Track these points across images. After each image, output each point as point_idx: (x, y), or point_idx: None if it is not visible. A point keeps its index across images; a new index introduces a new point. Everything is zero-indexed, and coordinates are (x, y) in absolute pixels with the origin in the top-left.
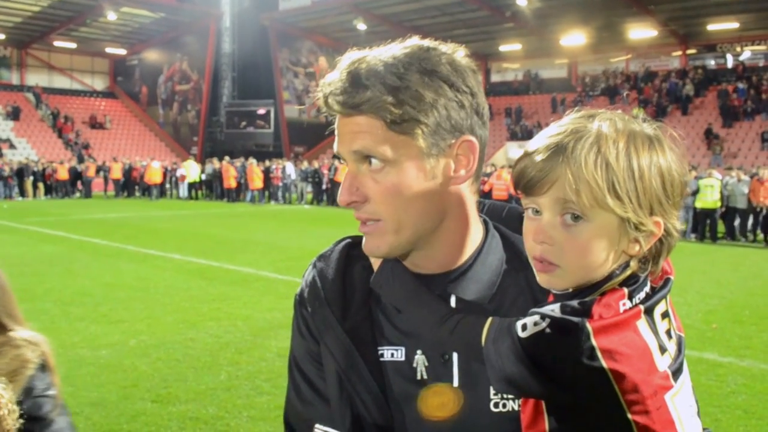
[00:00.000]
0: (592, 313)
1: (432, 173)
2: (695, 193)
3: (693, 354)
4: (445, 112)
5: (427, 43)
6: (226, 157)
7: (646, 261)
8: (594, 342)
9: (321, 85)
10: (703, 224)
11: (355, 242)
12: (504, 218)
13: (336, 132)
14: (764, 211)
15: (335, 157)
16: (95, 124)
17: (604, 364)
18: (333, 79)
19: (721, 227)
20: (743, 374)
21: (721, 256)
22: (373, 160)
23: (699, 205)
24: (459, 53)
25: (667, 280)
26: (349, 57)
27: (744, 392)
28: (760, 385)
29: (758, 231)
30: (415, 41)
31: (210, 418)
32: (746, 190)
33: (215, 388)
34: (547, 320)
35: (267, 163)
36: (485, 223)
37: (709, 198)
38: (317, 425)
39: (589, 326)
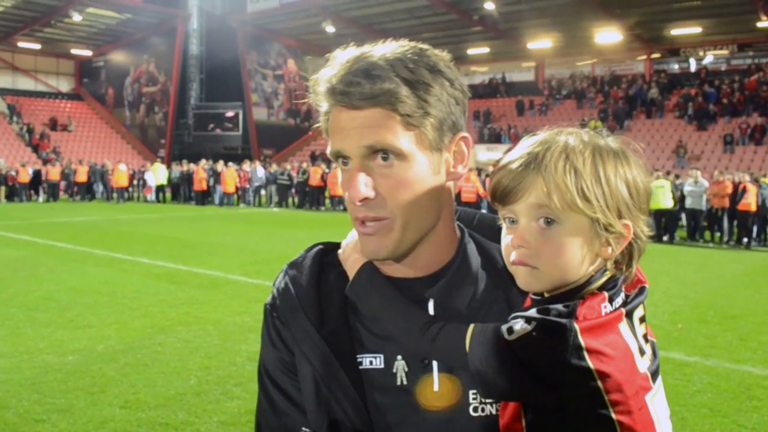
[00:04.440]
0: (577, 314)
1: (437, 168)
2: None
3: (659, 354)
4: (447, 107)
5: (420, 44)
6: (202, 160)
7: (621, 264)
8: (581, 341)
9: (319, 79)
10: (657, 225)
11: (327, 249)
12: (475, 226)
13: (335, 128)
14: (719, 213)
15: (316, 157)
16: (56, 126)
17: (591, 364)
18: (337, 71)
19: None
20: (708, 373)
21: (686, 257)
22: (386, 155)
23: (652, 206)
24: (447, 56)
25: (643, 288)
26: (350, 52)
27: (709, 391)
28: (725, 384)
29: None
30: (406, 42)
31: (180, 423)
32: (704, 193)
33: (185, 393)
34: (534, 323)
35: (236, 166)
36: (460, 228)
37: (662, 199)
38: (303, 429)
39: (576, 326)
